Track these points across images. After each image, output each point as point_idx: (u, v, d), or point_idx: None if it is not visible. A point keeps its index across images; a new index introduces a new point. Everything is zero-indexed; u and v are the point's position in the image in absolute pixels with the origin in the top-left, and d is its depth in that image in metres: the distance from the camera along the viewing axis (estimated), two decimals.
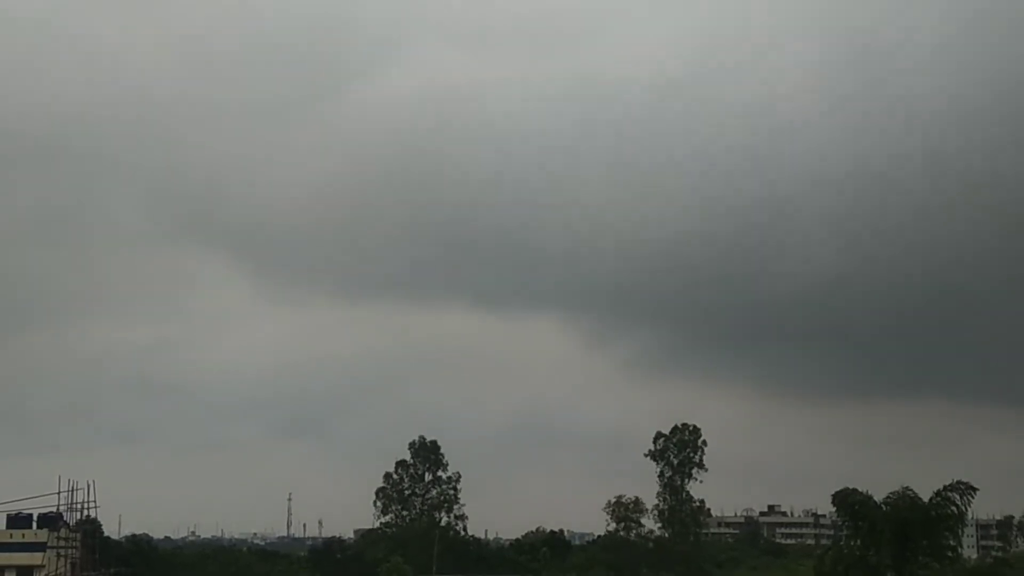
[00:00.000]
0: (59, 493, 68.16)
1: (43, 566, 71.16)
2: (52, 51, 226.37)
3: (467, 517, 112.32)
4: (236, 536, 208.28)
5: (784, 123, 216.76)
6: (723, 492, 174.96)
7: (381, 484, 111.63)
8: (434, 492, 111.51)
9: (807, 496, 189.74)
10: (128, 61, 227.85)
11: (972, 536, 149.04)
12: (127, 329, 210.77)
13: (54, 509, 70.09)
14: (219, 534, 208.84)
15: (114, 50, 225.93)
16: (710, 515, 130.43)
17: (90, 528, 74.88)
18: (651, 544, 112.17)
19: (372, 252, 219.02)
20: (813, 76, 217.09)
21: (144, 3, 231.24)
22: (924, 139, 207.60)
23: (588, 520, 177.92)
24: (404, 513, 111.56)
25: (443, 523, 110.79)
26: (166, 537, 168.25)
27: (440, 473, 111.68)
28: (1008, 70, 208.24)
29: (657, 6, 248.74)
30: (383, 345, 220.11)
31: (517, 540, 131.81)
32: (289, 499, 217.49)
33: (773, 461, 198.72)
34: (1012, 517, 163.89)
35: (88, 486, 68.24)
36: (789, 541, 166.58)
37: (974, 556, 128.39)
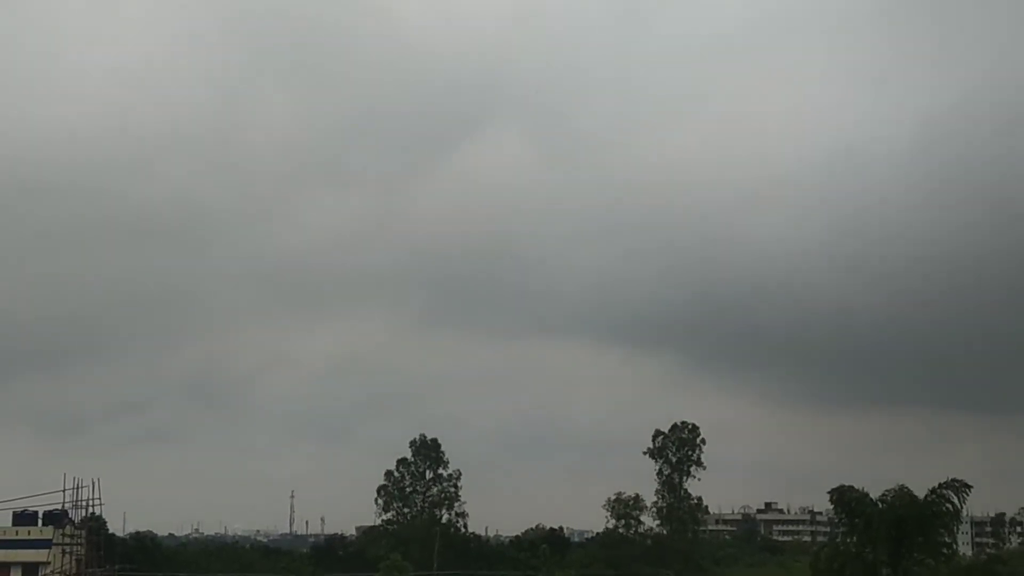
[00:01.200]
0: (64, 491, 68.66)
1: (48, 563, 71.61)
2: (163, 148, 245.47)
3: (467, 514, 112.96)
4: (239, 533, 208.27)
5: None
6: (721, 490, 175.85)
7: (382, 482, 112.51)
8: (435, 490, 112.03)
9: (804, 494, 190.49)
10: (230, 152, 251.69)
11: (967, 533, 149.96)
12: (186, 348, 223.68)
13: (59, 506, 70.72)
14: (222, 531, 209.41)
15: (216, 144, 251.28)
16: (708, 512, 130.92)
17: (95, 525, 74.97)
18: (649, 541, 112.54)
19: (414, 299, 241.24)
20: None
21: (240, 94, 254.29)
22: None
23: (587, 517, 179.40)
24: (405, 510, 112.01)
25: (444, 520, 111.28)
26: (170, 534, 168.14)
27: (441, 471, 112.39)
28: None
29: (696, 117, 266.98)
30: (398, 361, 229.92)
31: (517, 537, 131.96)
32: (292, 497, 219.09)
33: (770, 460, 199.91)
34: (1005, 514, 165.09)
35: (93, 484, 68.68)
36: (786, 538, 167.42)
37: (969, 553, 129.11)
